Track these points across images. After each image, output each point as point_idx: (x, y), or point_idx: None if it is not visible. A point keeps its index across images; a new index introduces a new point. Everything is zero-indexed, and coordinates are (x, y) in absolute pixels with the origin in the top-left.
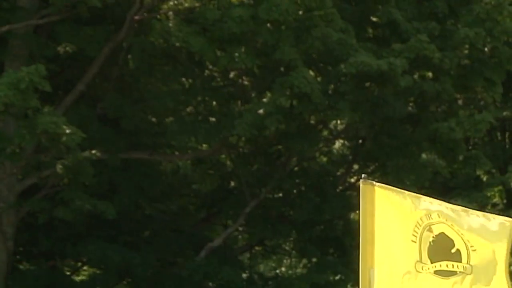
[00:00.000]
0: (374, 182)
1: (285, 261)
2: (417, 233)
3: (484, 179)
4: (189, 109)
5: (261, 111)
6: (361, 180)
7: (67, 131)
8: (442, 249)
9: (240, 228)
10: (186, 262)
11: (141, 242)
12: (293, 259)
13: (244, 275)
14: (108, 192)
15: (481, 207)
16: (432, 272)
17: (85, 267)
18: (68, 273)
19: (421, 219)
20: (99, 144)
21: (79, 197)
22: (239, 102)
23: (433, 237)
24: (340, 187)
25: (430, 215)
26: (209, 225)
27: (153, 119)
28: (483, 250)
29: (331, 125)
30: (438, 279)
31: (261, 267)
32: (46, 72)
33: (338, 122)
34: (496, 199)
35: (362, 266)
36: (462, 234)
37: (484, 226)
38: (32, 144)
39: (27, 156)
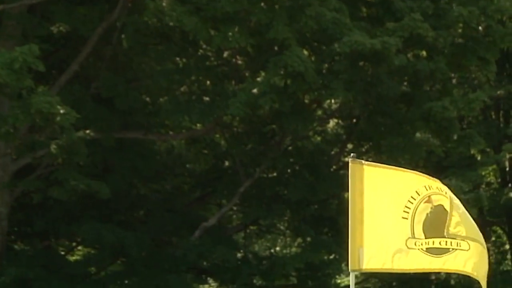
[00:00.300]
0: (363, 161)
1: (279, 240)
2: (409, 208)
3: (479, 158)
4: (183, 88)
5: (255, 90)
6: (350, 159)
7: (61, 111)
8: (437, 222)
9: (235, 208)
10: (181, 241)
11: (136, 221)
12: (288, 239)
13: (238, 255)
14: (102, 172)
15: (475, 186)
16: (424, 249)
17: (79, 247)
18: (62, 253)
19: (417, 192)
20: (93, 124)
21: (73, 177)
22: (233, 82)
23: (431, 208)
24: (334, 166)
25: (431, 186)
26: (204, 205)
27: (147, 99)
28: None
29: (325, 105)
30: (429, 257)
31: (256, 247)
32: (39, 52)
33: (332, 101)
34: (490, 178)
35: (351, 245)
36: (459, 209)
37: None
38: (26, 124)
39: (21, 136)
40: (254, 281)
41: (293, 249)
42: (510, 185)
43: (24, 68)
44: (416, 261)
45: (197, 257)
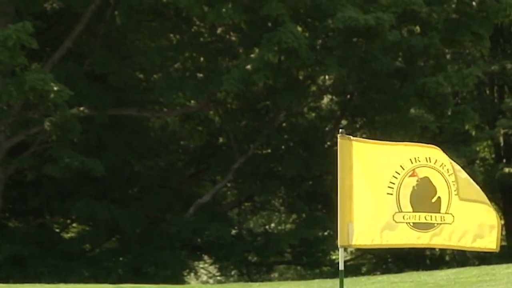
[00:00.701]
0: (352, 137)
1: (274, 217)
2: (394, 184)
3: (473, 133)
4: (176, 65)
5: (248, 66)
6: (338, 135)
7: (55, 88)
8: (423, 196)
9: (229, 184)
10: (175, 218)
11: (130, 199)
12: (283, 215)
13: (233, 232)
14: (96, 149)
15: (470, 162)
16: (412, 224)
17: (74, 225)
18: (57, 230)
19: (402, 166)
20: (87, 101)
21: (67, 154)
22: (226, 58)
23: (417, 181)
24: (328, 143)
25: (417, 158)
26: (198, 181)
27: (141, 76)
28: (467, 193)
29: (319, 81)
30: (417, 232)
31: (251, 224)
32: (33, 29)
33: (326, 77)
34: (485, 154)
35: (340, 221)
36: (449, 175)
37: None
38: (20, 102)
39: (15, 113)
40: (249, 257)
41: (288, 226)
42: (504, 160)
43: (18, 46)
44: (405, 236)
45: (191, 234)
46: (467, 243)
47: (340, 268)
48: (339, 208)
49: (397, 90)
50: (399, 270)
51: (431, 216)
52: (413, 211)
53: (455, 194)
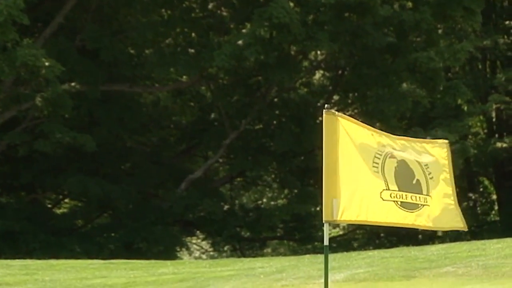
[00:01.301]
0: (337, 113)
1: (267, 192)
2: (377, 163)
3: (465, 108)
4: (168, 40)
5: (240, 42)
6: (324, 111)
7: (46, 63)
8: (405, 177)
9: (221, 160)
10: (167, 194)
11: (122, 174)
12: (275, 191)
13: (225, 207)
14: (88, 125)
15: (462, 137)
16: (399, 203)
17: (66, 200)
18: (49, 206)
19: (382, 147)
20: (79, 77)
21: (58, 129)
22: (218, 34)
23: (396, 162)
24: (320, 118)
25: (389, 144)
26: (190, 157)
27: (132, 51)
28: (437, 175)
29: (311, 56)
30: (403, 211)
31: (244, 199)
32: (24, 4)
33: (318, 53)
34: (477, 129)
35: (325, 196)
36: (420, 162)
37: (428, 153)
38: (11, 77)
39: (6, 89)
40: (242, 233)
41: (280, 201)
42: (496, 135)
43: (9, 21)
44: (390, 214)
45: (183, 209)
46: (442, 223)
47: (324, 244)
48: (324, 183)
49: (388, 65)
50: (391, 245)
51: (416, 196)
52: (398, 190)
53: (430, 178)
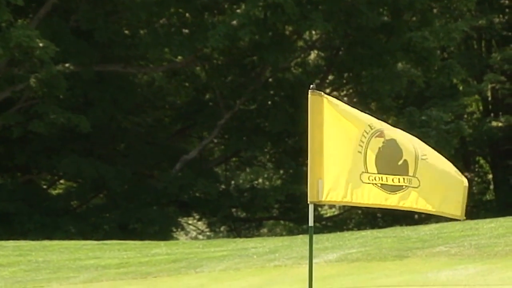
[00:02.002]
0: (323, 93)
1: (262, 173)
2: (363, 142)
3: (461, 88)
4: (162, 20)
5: (234, 22)
6: (309, 91)
7: (40, 44)
8: (389, 158)
9: (215, 140)
10: (162, 175)
11: (116, 155)
12: (270, 171)
13: (222, 187)
14: (83, 106)
15: (458, 116)
16: (379, 185)
17: (61, 181)
18: (44, 187)
19: (371, 126)
20: (73, 57)
21: (53, 110)
22: (212, 14)
23: (383, 142)
24: None
25: (381, 123)
26: (185, 137)
27: (127, 31)
28: (435, 159)
29: (306, 36)
30: (385, 193)
31: (240, 180)
32: None
33: (313, 32)
34: (472, 108)
35: (310, 177)
36: (414, 141)
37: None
38: (5, 58)
39: (1, 70)
40: (238, 213)
41: (278, 182)
42: (492, 114)
43: (3, 2)
44: (373, 196)
45: (178, 190)
46: (434, 207)
47: (309, 224)
48: (309, 164)
49: (383, 44)
50: (387, 225)
51: (398, 178)
52: (377, 173)
53: (423, 159)
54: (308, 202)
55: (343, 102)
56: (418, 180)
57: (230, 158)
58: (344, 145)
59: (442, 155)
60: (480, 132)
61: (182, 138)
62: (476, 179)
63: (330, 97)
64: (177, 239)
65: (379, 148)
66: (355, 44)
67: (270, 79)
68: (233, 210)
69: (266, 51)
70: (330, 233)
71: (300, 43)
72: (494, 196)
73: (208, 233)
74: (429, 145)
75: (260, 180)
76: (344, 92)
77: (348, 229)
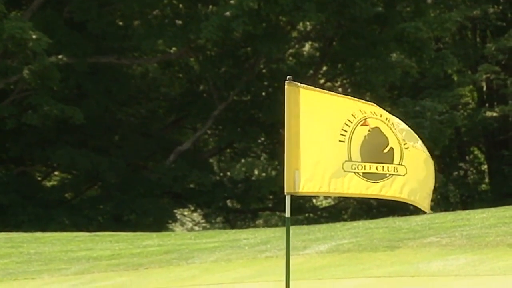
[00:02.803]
0: (299, 84)
1: (258, 165)
2: (346, 131)
3: (455, 78)
4: (155, 12)
5: (227, 13)
6: (286, 82)
7: (33, 36)
8: (375, 146)
9: (209, 131)
10: (156, 166)
11: (110, 146)
12: (265, 162)
13: (216, 178)
14: (76, 97)
15: (452, 107)
16: (361, 174)
17: (56, 173)
18: (39, 178)
19: (354, 115)
20: (66, 49)
21: (46, 102)
22: (205, 5)
23: (369, 130)
24: None
25: (365, 111)
26: (179, 129)
27: (120, 23)
28: (415, 149)
29: (300, 27)
30: (366, 182)
31: (235, 171)
32: None
33: (308, 23)
34: (467, 99)
35: (286, 168)
36: (397, 130)
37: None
38: None
39: None
40: (234, 204)
41: (271, 172)
42: (487, 105)
43: None
44: (353, 185)
45: (172, 181)
46: (415, 196)
47: (286, 215)
48: (286, 155)
49: (376, 35)
50: (383, 216)
51: (383, 166)
52: (361, 161)
53: (406, 148)
54: (285, 193)
55: (337, 92)
56: (405, 168)
57: (224, 149)
58: (323, 135)
59: (436, 145)
60: (475, 123)
61: (176, 129)
62: (471, 169)
63: (308, 88)
64: (173, 230)
65: (365, 136)
66: (349, 35)
67: (264, 70)
68: (228, 201)
69: (260, 42)
70: (320, 224)
71: (294, 34)
72: (489, 186)
73: (204, 224)
74: (423, 136)
75: (256, 172)
76: (338, 83)
77: (343, 220)
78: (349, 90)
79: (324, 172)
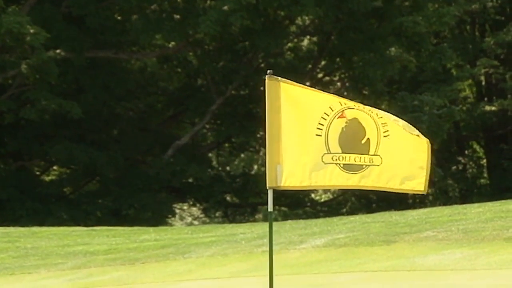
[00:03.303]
0: (280, 78)
1: (256, 159)
2: (323, 125)
3: (454, 73)
4: (153, 6)
5: (225, 7)
6: (266, 76)
7: (31, 30)
8: (353, 137)
9: (208, 126)
10: (154, 160)
11: (109, 141)
12: (263, 157)
13: (214, 172)
14: (74, 92)
15: (451, 101)
16: (341, 165)
17: (55, 167)
18: (37, 173)
19: (331, 108)
20: (64, 43)
21: (44, 96)
22: None
23: (346, 122)
24: (307, 83)
25: (345, 103)
26: (177, 123)
27: (118, 17)
28: (397, 136)
29: (299, 21)
30: (346, 174)
31: (234, 166)
32: None
33: (306, 18)
34: (466, 93)
35: (268, 162)
36: (378, 118)
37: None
38: None
39: None
40: (233, 199)
41: None
42: (486, 99)
43: None
44: (334, 177)
45: (170, 175)
46: (395, 184)
47: (269, 210)
48: (267, 149)
49: (375, 29)
50: (381, 210)
51: (360, 157)
52: (342, 152)
53: (385, 136)
54: (267, 188)
55: (335, 86)
56: (381, 157)
57: (223, 143)
58: (302, 130)
59: (435, 140)
60: (473, 117)
61: (174, 123)
62: (470, 163)
63: (288, 82)
64: (172, 225)
65: (342, 128)
66: (347, 29)
67: (262, 65)
68: (227, 196)
69: (258, 36)
70: (317, 218)
71: (292, 28)
72: (488, 180)
73: (203, 219)
74: (421, 130)
75: (255, 166)
76: (337, 77)
77: (342, 214)
78: (347, 84)
79: (304, 166)
